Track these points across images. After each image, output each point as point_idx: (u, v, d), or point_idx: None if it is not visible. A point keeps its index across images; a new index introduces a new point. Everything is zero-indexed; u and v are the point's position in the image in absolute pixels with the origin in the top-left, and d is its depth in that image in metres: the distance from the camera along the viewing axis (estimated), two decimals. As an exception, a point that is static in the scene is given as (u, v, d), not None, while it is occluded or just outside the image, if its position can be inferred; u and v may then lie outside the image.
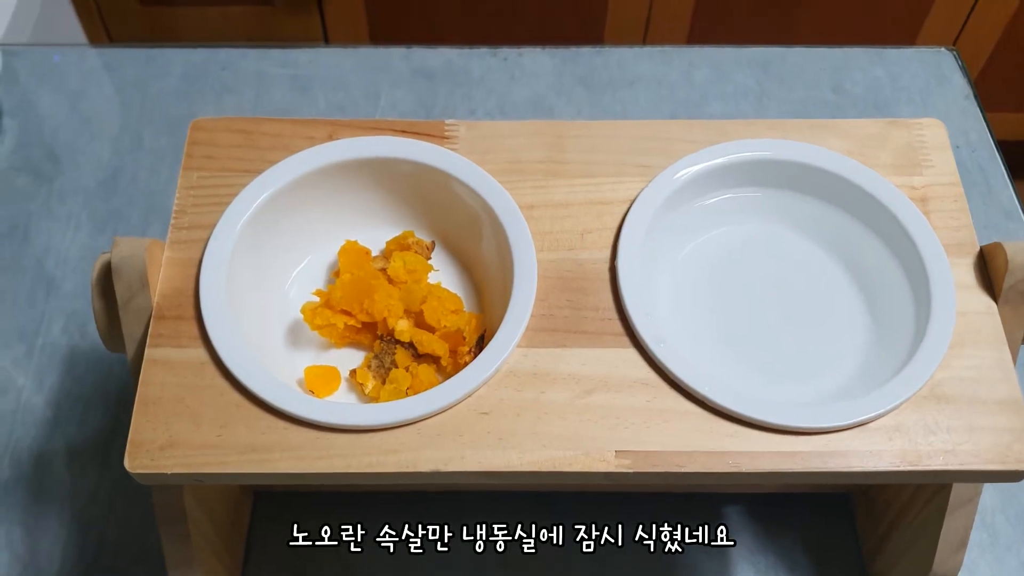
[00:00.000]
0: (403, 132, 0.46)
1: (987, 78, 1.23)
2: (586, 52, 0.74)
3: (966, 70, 0.74)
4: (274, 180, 0.44)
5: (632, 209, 0.44)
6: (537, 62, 0.74)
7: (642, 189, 0.45)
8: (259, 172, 0.45)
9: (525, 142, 0.46)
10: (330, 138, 0.46)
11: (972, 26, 1.17)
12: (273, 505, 0.53)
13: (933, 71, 0.74)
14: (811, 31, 1.16)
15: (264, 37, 1.16)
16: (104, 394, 0.57)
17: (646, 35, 1.16)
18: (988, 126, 0.71)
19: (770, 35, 1.17)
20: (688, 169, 0.45)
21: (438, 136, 0.46)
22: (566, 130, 0.47)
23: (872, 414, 0.39)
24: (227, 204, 0.44)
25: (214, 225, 0.43)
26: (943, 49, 0.76)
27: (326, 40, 1.17)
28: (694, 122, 0.47)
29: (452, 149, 0.46)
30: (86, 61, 0.73)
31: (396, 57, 0.73)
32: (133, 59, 0.73)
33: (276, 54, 0.73)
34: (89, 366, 0.58)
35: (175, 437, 0.39)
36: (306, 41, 1.17)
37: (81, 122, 0.69)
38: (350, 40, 1.16)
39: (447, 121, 0.46)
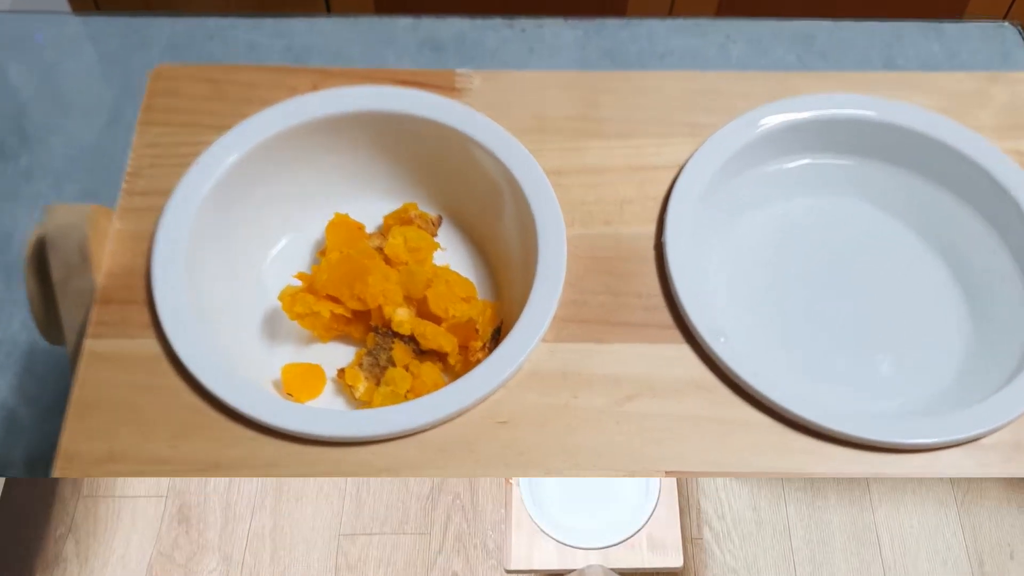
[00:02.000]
0: (405, 83, 0.43)
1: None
2: (612, 24, 0.70)
3: (1033, 46, 0.68)
4: (247, 137, 0.40)
5: (682, 175, 0.40)
6: (558, 35, 0.69)
7: (693, 152, 0.41)
8: (229, 128, 0.40)
9: (553, 96, 0.42)
10: (315, 88, 0.42)
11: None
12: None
13: (996, 47, 0.70)
14: (847, 3, 1.11)
15: (261, 7, 1.11)
16: (66, 398, 0.52)
17: (672, 6, 1.12)
18: (1063, 105, 0.65)
19: (802, 7, 1.12)
20: (749, 129, 0.41)
21: (447, 88, 0.42)
22: (601, 82, 0.43)
23: (985, 428, 0.35)
24: (190, 165, 0.40)
25: (173, 191, 0.39)
26: (1006, 23, 0.70)
27: (328, 10, 1.12)
28: (754, 74, 0.43)
29: (465, 103, 0.42)
30: (65, 28, 0.69)
31: (402, 27, 0.69)
32: (114, 27, 0.70)
33: (269, 23, 0.69)
34: (50, 365, 0.53)
35: (118, 448, 0.34)
36: (306, 11, 1.13)
37: (54, 95, 0.65)
38: (353, 10, 1.11)
39: (458, 71, 0.43)
